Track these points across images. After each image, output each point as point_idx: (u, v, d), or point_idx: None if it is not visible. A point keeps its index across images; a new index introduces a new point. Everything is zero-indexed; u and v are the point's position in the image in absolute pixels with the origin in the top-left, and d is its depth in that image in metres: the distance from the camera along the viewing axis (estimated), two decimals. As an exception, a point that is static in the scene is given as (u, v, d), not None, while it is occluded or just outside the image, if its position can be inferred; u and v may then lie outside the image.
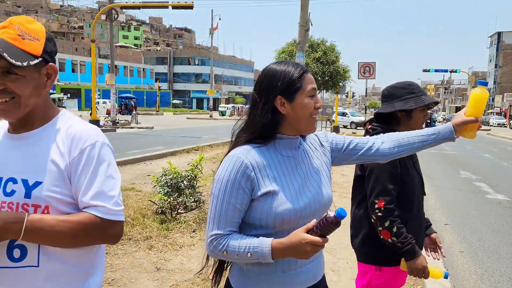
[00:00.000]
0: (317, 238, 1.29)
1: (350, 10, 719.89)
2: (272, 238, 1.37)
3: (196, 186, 5.77)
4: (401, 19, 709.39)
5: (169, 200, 5.36)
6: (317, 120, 1.52)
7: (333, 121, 22.37)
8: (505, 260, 5.14)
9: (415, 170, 2.25)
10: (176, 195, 5.43)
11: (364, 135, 2.33)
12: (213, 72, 49.23)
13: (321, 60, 15.77)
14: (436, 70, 43.41)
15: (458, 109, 75.48)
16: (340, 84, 16.47)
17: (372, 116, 2.38)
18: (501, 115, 62.45)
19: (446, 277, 2.19)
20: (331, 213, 1.27)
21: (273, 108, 1.44)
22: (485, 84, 1.68)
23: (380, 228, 2.07)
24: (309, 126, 1.49)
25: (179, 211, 5.59)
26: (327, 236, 1.31)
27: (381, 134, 2.21)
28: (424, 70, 42.27)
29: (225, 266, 1.60)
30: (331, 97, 53.85)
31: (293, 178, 1.47)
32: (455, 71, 44.23)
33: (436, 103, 2.33)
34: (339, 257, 4.67)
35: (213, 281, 1.60)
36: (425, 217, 2.37)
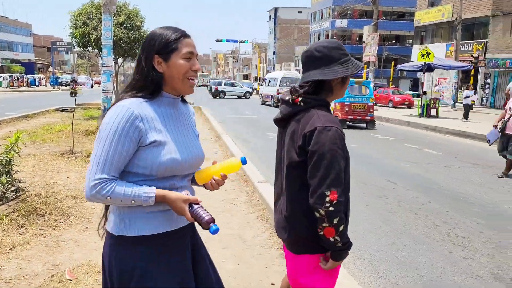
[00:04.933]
0: (189, 215, 1.57)
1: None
2: (154, 187, 1.56)
3: (13, 172, 4.74)
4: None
5: (-21, 192, 4.25)
6: (194, 83, 1.66)
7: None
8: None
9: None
10: (-13, 185, 4.35)
11: (289, 109, 1.94)
12: (-20, 34, 40.89)
13: (125, 25, 14.76)
14: (228, 40, 46.16)
15: (245, 77, 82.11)
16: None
17: (296, 85, 1.96)
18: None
19: (244, 162, 1.79)
20: (206, 217, 1.56)
21: (153, 67, 1.60)
22: (245, 162, 1.81)
23: (326, 225, 1.74)
24: (184, 86, 1.64)
25: (-10, 205, 4.49)
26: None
27: (315, 109, 1.85)
28: (218, 40, 44.42)
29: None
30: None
31: (175, 132, 1.65)
32: (244, 42, 47.84)
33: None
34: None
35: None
36: None
